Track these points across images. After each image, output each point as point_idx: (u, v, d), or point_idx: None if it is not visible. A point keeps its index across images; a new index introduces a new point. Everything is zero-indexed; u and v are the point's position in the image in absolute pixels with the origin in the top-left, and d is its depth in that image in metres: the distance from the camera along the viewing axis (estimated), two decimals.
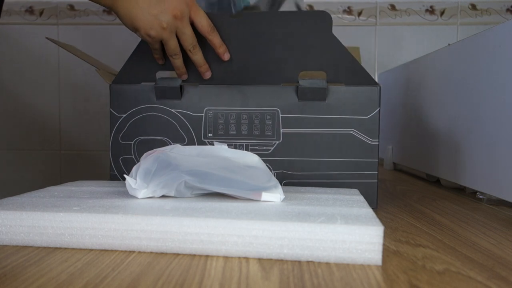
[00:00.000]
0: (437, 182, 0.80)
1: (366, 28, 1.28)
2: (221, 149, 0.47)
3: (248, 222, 0.36)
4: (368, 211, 0.40)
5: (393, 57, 1.26)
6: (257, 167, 0.46)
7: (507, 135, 0.54)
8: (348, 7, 1.27)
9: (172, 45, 0.56)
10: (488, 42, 0.60)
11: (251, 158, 0.47)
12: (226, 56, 0.58)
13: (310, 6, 1.27)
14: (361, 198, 0.47)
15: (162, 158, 0.46)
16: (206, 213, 0.38)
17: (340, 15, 1.27)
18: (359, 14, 1.27)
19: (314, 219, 0.36)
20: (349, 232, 0.34)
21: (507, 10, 1.25)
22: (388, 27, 1.27)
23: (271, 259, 0.35)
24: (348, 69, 0.56)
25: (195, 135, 0.59)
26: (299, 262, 0.35)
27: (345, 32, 1.26)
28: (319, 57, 0.57)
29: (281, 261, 0.35)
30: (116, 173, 0.59)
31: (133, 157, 0.59)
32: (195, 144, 0.59)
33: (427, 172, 0.81)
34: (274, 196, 0.44)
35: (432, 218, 0.51)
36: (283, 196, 0.45)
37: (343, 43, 0.58)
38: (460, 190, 0.71)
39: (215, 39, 0.56)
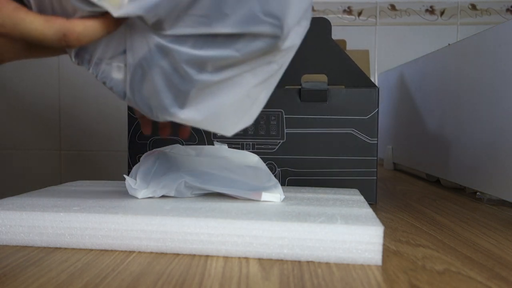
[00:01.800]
0: (437, 182, 0.80)
1: (366, 28, 1.28)
2: (221, 149, 0.47)
3: (248, 222, 0.36)
4: (368, 211, 0.41)
5: (393, 57, 1.26)
6: (257, 167, 0.46)
7: (507, 135, 0.54)
8: (348, 7, 1.27)
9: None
10: (488, 42, 0.60)
11: (251, 158, 0.47)
12: None
13: None
14: (361, 198, 0.47)
15: (162, 158, 0.46)
16: (206, 213, 0.38)
17: (340, 15, 1.27)
18: (359, 14, 1.27)
19: (314, 219, 0.36)
20: (349, 232, 0.34)
21: (507, 10, 1.25)
22: (388, 27, 1.27)
23: (271, 259, 0.35)
24: (348, 72, 0.58)
25: (205, 135, 0.61)
26: (299, 262, 0.35)
27: (345, 32, 1.26)
28: (320, 61, 0.59)
29: (281, 261, 0.35)
30: None
31: None
32: (205, 144, 0.61)
33: (427, 172, 0.81)
34: (274, 196, 0.44)
35: (432, 218, 0.51)
36: (283, 196, 0.45)
37: (344, 43, 0.59)
38: (460, 190, 0.71)
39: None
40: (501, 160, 0.56)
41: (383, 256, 0.36)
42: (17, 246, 0.38)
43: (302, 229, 0.35)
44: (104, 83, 0.31)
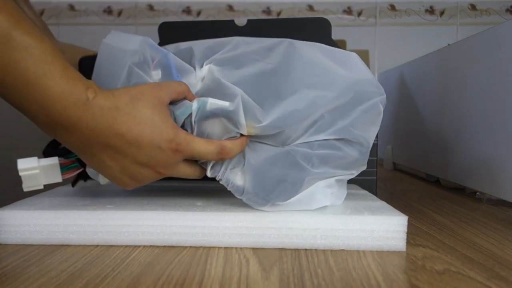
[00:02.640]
0: (437, 182, 0.80)
1: (366, 28, 1.28)
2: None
3: (285, 215, 0.38)
4: (383, 203, 0.43)
5: (393, 57, 1.26)
6: None
7: (507, 135, 0.54)
8: (348, 7, 1.27)
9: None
10: (488, 42, 0.60)
11: None
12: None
13: (310, 7, 1.27)
14: (367, 192, 0.50)
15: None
16: (243, 208, 0.40)
17: (340, 15, 1.27)
18: (359, 14, 1.27)
19: (343, 211, 0.39)
20: (377, 222, 0.38)
21: (507, 10, 1.25)
22: (388, 27, 1.27)
23: (270, 260, 0.35)
24: None
25: None
26: (299, 262, 0.35)
27: (345, 32, 1.26)
28: None
29: (281, 261, 0.35)
30: None
31: None
32: None
33: (427, 172, 0.81)
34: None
35: (432, 218, 0.51)
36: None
37: (344, 43, 0.59)
38: (460, 190, 0.71)
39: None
40: (501, 160, 0.56)
41: (382, 256, 0.36)
42: (18, 245, 0.38)
43: (335, 221, 0.38)
44: (227, 185, 0.40)
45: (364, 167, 0.42)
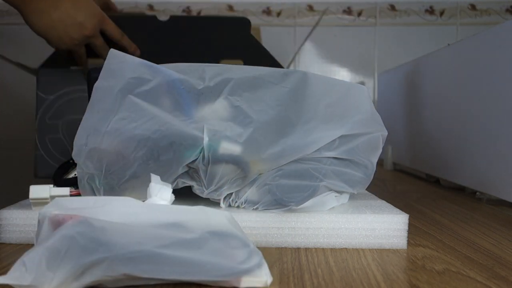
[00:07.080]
0: (437, 182, 0.80)
1: (366, 28, 1.28)
2: (170, 211, 0.33)
3: (288, 215, 0.39)
4: (383, 202, 0.44)
5: (393, 57, 1.26)
6: (227, 233, 0.31)
7: (506, 135, 0.54)
8: (348, 7, 1.27)
9: (83, 55, 0.60)
10: (488, 42, 0.60)
11: (218, 219, 0.32)
12: (138, 52, 0.62)
13: (310, 6, 1.27)
14: (367, 192, 0.50)
15: (81, 232, 0.29)
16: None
17: (339, 15, 1.27)
18: (359, 14, 1.27)
19: (345, 211, 0.40)
20: (378, 220, 0.38)
21: (507, 10, 1.25)
22: (388, 27, 1.27)
23: (270, 260, 0.35)
24: (261, 57, 0.63)
25: None
26: (299, 262, 0.35)
27: (345, 32, 1.26)
28: (239, 56, 0.63)
29: (281, 261, 0.35)
30: (43, 152, 0.62)
31: (61, 136, 0.62)
32: None
33: (427, 172, 0.81)
34: (259, 280, 0.30)
35: (432, 218, 0.51)
36: (270, 279, 0.30)
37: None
38: (460, 190, 0.71)
39: (126, 43, 0.61)
40: (501, 160, 0.56)
41: (382, 256, 0.36)
42: (18, 245, 0.38)
43: (337, 220, 0.38)
44: (241, 204, 0.41)
45: (365, 188, 0.43)
